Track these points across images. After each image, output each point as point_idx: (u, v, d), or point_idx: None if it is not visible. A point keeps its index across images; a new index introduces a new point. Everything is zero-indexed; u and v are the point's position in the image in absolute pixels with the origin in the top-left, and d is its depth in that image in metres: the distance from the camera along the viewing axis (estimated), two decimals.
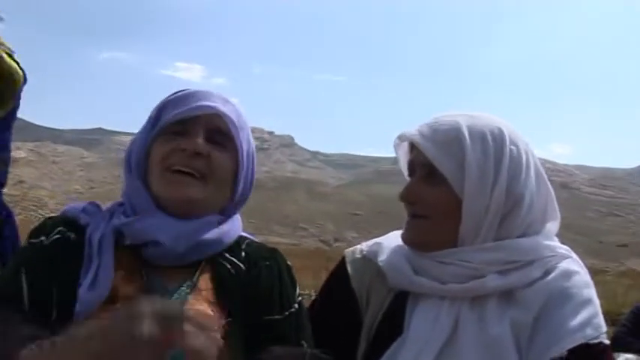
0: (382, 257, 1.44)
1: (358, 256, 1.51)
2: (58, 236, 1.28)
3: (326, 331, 1.39)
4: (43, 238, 1.28)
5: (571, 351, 1.23)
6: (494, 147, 1.34)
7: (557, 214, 1.45)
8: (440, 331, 1.29)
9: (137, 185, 1.31)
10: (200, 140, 1.28)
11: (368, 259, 1.47)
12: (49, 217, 1.36)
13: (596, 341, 1.26)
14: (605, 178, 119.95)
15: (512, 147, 1.35)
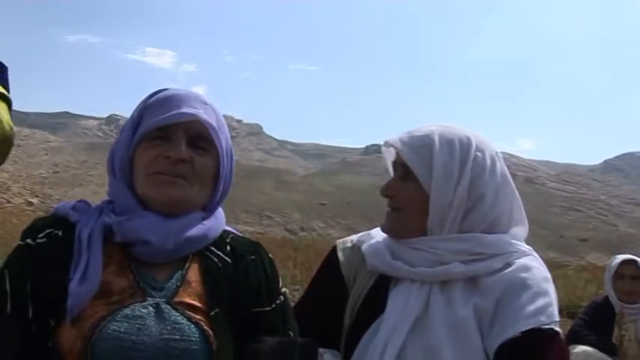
0: (366, 244, 1.63)
1: (349, 245, 1.70)
2: (45, 237, 1.32)
3: (320, 311, 1.60)
4: (29, 240, 1.32)
5: (524, 333, 1.38)
6: (460, 151, 1.52)
7: (525, 221, 1.62)
8: (411, 310, 1.46)
9: (122, 188, 1.35)
10: (183, 147, 1.32)
11: (357, 248, 1.65)
12: (40, 218, 1.40)
13: (547, 327, 1.41)
14: (568, 173, 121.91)
15: (478, 153, 1.53)
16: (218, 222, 1.43)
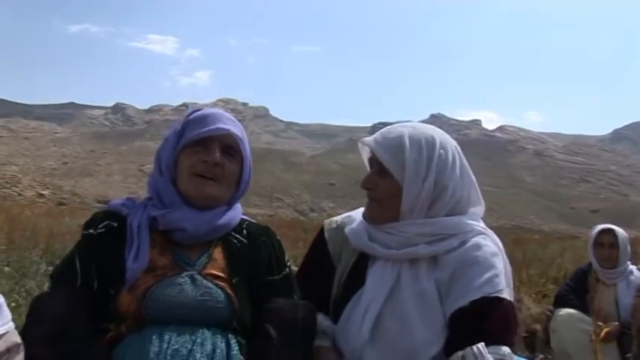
0: (349, 227, 1.91)
1: (334, 225, 1.98)
2: (104, 227, 1.71)
3: (311, 282, 1.88)
4: (91, 230, 1.71)
5: (473, 302, 1.65)
6: (426, 150, 1.77)
7: (482, 200, 1.90)
8: (385, 284, 1.75)
9: (167, 184, 1.73)
10: (217, 154, 1.71)
11: (341, 228, 1.94)
12: (97, 213, 1.79)
13: (492, 296, 1.66)
14: (577, 145, 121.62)
15: (442, 150, 1.79)
16: (237, 213, 1.81)
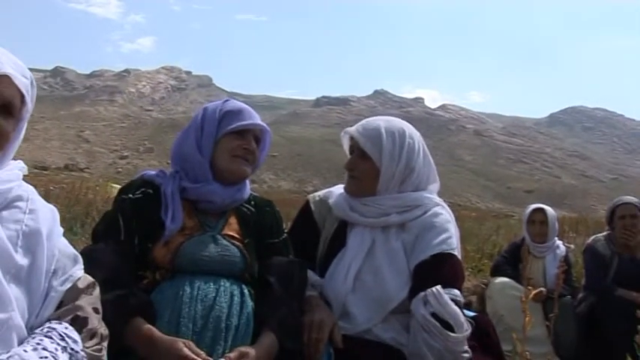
0: (332, 199, 2.40)
1: (317, 199, 2.47)
2: (141, 193, 2.07)
3: (300, 246, 2.28)
4: (130, 195, 2.06)
5: (432, 256, 2.14)
6: (399, 140, 2.26)
7: (437, 179, 2.40)
8: (364, 245, 2.24)
9: (205, 162, 2.09)
10: (253, 143, 2.15)
11: (324, 201, 2.43)
12: (133, 180, 2.17)
13: (447, 252, 2.16)
14: (516, 126, 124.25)
15: (410, 140, 2.29)
16: (247, 189, 2.22)
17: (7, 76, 1.44)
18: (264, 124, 2.21)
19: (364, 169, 2.28)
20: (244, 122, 2.13)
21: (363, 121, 2.38)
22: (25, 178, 1.56)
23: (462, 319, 2.04)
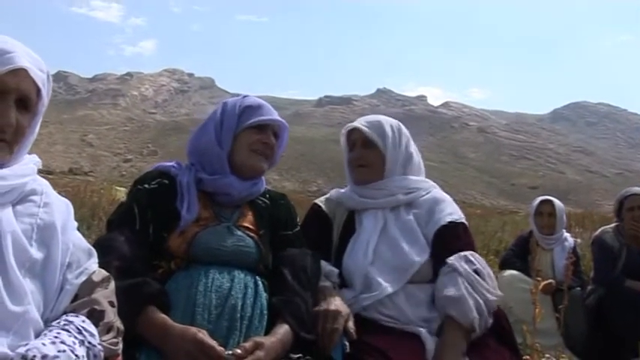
0: (338, 196, 2.61)
1: (323, 199, 2.64)
2: (156, 183, 2.10)
3: (313, 240, 2.36)
4: (146, 185, 2.10)
5: (444, 226, 2.34)
6: (398, 131, 2.53)
7: (423, 171, 2.61)
8: (377, 225, 2.41)
9: (223, 155, 2.12)
10: (272, 138, 2.20)
11: (330, 199, 2.62)
12: (149, 172, 2.20)
13: (458, 221, 2.38)
14: (519, 123, 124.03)
15: (404, 130, 2.56)
16: (263, 183, 2.27)
17: (23, 69, 1.43)
18: (284, 120, 2.25)
19: (371, 156, 2.50)
20: (264, 117, 2.18)
21: (362, 118, 2.63)
22: None
23: (496, 282, 2.29)
